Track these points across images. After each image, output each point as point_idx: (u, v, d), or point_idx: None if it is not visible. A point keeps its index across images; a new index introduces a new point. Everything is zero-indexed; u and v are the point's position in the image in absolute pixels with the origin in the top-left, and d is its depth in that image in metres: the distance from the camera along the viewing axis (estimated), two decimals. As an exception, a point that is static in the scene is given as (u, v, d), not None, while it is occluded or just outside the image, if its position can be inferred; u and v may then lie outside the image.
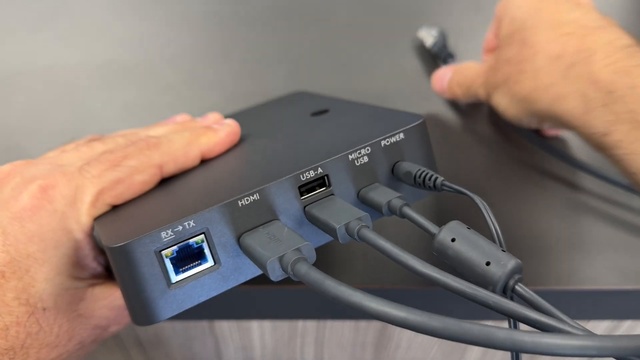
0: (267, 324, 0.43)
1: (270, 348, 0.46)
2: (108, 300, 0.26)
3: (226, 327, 0.43)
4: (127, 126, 0.34)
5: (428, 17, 0.52)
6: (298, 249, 0.20)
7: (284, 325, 0.43)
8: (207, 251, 0.22)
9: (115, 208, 0.25)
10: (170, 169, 0.27)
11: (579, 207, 0.37)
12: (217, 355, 0.46)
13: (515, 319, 0.18)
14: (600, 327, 0.39)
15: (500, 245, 0.21)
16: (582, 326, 0.17)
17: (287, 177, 0.23)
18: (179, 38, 0.48)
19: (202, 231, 0.22)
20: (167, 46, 0.47)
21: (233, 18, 0.50)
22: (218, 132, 0.29)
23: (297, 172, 0.23)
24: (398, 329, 0.39)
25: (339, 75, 0.47)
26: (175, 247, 0.22)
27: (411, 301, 0.34)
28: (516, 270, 0.20)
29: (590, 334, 0.14)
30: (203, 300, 0.23)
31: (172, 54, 0.47)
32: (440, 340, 0.40)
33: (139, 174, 0.25)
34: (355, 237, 0.21)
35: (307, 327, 0.43)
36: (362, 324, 0.40)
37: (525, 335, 0.14)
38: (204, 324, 0.42)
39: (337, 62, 0.49)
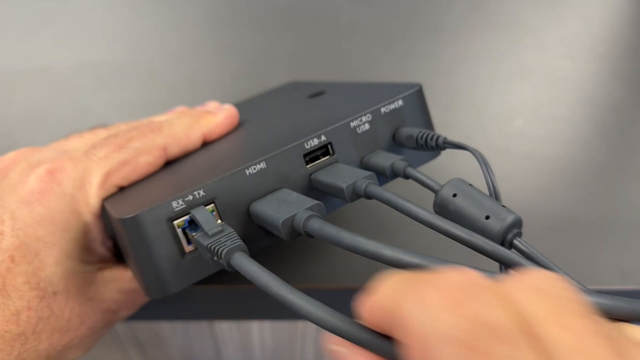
0: (267, 324, 0.43)
1: (270, 348, 0.46)
2: (117, 284, 0.26)
3: (226, 328, 0.43)
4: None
5: (427, 17, 0.52)
6: (310, 208, 0.21)
7: (284, 326, 0.43)
8: (217, 220, 0.23)
9: (122, 189, 0.26)
10: (173, 150, 0.27)
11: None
12: (216, 355, 0.46)
13: (511, 267, 0.18)
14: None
15: (497, 199, 0.22)
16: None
17: (292, 145, 0.23)
18: (178, 38, 0.48)
19: (211, 200, 0.22)
20: (167, 46, 0.47)
21: (233, 18, 0.50)
22: (217, 115, 0.29)
23: (302, 140, 0.24)
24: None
25: (339, 76, 0.48)
26: (186, 217, 0.22)
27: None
28: (515, 225, 0.20)
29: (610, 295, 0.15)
30: (215, 271, 0.23)
31: (172, 54, 0.47)
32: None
33: (144, 155, 0.26)
34: (363, 194, 0.22)
35: (307, 328, 0.43)
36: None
37: None
38: (203, 324, 0.42)
39: (337, 62, 0.49)
